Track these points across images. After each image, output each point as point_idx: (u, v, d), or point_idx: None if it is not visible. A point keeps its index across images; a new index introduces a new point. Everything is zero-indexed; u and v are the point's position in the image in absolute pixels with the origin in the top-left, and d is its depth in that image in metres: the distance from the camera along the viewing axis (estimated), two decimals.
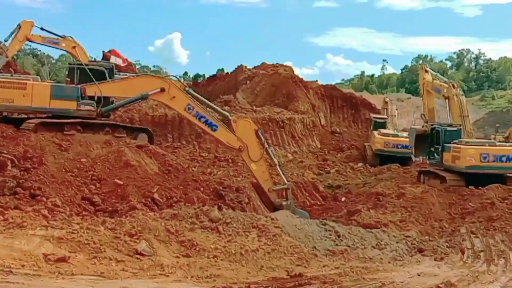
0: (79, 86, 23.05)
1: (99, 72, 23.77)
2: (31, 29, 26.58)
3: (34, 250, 10.48)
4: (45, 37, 27.25)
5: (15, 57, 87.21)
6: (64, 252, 10.65)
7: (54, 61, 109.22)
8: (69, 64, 27.80)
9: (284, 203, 22.16)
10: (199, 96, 23.22)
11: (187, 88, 22.91)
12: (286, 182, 22.65)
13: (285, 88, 51.77)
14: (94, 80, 23.04)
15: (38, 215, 14.21)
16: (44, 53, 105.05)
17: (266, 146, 22.95)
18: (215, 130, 22.74)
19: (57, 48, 27.62)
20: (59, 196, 17.59)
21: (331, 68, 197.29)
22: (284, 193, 22.69)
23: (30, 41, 26.89)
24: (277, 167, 22.90)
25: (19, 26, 26.24)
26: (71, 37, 27.50)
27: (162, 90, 21.94)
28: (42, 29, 26.72)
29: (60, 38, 27.38)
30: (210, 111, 22.95)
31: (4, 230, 11.58)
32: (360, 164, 39.70)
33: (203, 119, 22.40)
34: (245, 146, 22.56)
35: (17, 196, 16.97)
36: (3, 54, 26.24)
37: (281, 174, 22.87)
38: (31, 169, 18.54)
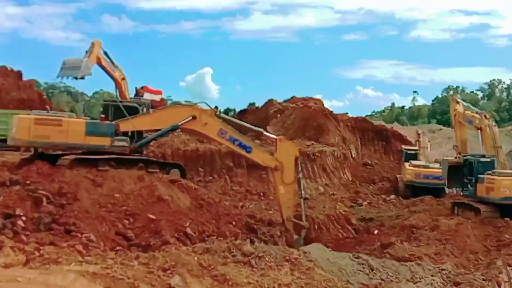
0: (113, 122, 23.38)
1: (133, 109, 24.09)
2: (101, 50, 26.62)
3: (69, 285, 10.56)
4: (108, 62, 27.37)
5: (49, 94, 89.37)
6: (98, 287, 10.73)
7: (88, 98, 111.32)
8: (104, 101, 28.21)
9: (295, 237, 22.05)
10: (231, 119, 23.31)
11: (217, 113, 22.97)
12: (305, 221, 22.49)
13: (315, 121, 51.84)
14: (127, 116, 23.37)
15: (73, 251, 14.37)
16: (78, 91, 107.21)
17: (300, 176, 22.91)
18: (249, 152, 22.88)
19: (109, 76, 27.15)
20: (94, 232, 17.79)
21: (361, 100, 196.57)
22: (299, 230, 22.56)
23: (98, 63, 26.29)
24: (302, 200, 22.77)
25: (93, 44, 26.15)
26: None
27: (194, 118, 22.10)
28: (105, 53, 26.54)
29: (115, 66, 27.38)
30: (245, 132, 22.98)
31: (39, 266, 11.70)
32: (392, 196, 39.37)
33: (237, 142, 22.58)
34: (281, 167, 22.50)
35: (52, 232, 17.21)
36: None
37: (303, 209, 22.71)
38: (66, 205, 18.81)
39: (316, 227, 28.80)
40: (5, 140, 45.56)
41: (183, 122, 22.21)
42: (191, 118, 22.12)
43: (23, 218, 17.37)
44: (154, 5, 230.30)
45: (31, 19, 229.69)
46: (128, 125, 23.15)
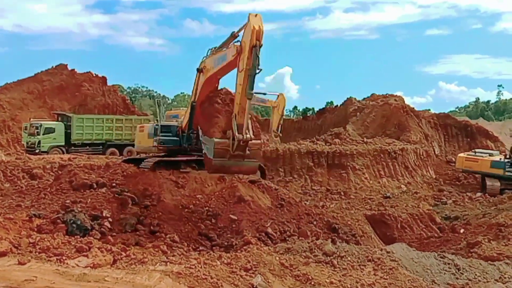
0: None
1: None
2: None
3: (154, 285, 10.76)
4: None
5: (133, 98, 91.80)
6: (183, 287, 10.89)
7: (169, 101, 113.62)
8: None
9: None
10: None
11: None
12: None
13: (396, 119, 50.98)
14: None
15: (158, 251, 14.70)
16: (160, 94, 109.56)
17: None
18: None
19: None
20: (177, 232, 18.14)
21: (444, 96, 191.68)
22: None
23: None
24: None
25: None
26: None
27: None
28: None
29: None
30: None
31: (126, 266, 11.99)
32: (478, 194, 38.09)
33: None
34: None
35: (137, 232, 17.69)
36: None
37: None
38: (150, 206, 19.28)
39: (399, 226, 28.29)
40: (91, 144, 47.53)
41: None
42: None
43: (110, 219, 17.91)
44: (235, 8, 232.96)
45: (116, 26, 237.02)
46: None
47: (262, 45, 18.32)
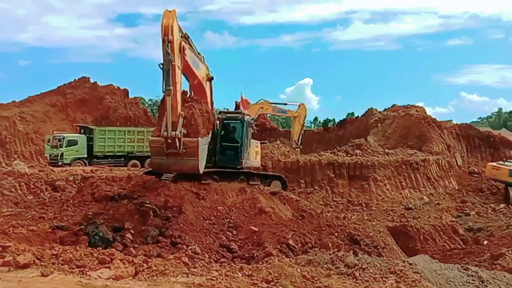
0: None
1: None
2: None
3: None
4: None
5: (154, 111, 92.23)
6: None
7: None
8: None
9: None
10: None
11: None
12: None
13: (417, 129, 50.76)
14: None
15: (179, 263, 14.68)
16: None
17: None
18: (198, 69, 21.95)
19: None
20: (198, 244, 18.15)
21: (466, 107, 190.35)
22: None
23: None
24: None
25: None
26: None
27: None
28: None
29: None
30: None
31: (148, 277, 12.03)
32: (502, 205, 37.71)
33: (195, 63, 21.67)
34: None
35: (159, 244, 17.71)
36: None
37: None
38: (172, 218, 19.31)
39: (421, 237, 28.11)
40: (113, 156, 47.86)
41: None
42: None
43: (132, 231, 17.98)
44: (255, 20, 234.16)
45: (138, 39, 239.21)
46: None
47: (171, 41, 18.64)
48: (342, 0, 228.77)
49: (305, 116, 54.78)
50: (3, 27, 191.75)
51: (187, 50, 20.26)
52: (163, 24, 18.76)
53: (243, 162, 24.29)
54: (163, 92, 18.96)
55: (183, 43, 19.77)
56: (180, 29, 19.91)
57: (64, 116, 61.00)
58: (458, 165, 48.18)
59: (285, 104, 54.58)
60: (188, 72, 21.13)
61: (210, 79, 23.07)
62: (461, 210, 36.56)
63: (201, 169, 20.90)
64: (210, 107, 22.77)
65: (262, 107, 51.49)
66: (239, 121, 24.35)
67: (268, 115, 64.82)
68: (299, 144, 53.24)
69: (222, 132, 24.26)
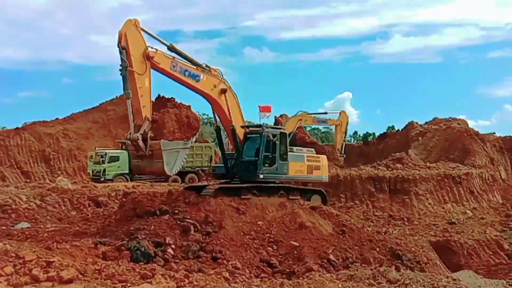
0: None
1: None
2: None
3: None
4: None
5: None
6: None
7: None
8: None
9: None
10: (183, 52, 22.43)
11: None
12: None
13: (460, 143, 50.09)
14: None
15: (220, 278, 14.73)
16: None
17: None
18: (198, 81, 22.42)
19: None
20: (239, 259, 18.18)
21: (509, 119, 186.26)
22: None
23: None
24: None
25: None
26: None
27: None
28: None
29: None
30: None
31: None
32: None
33: (187, 73, 22.06)
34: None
35: (200, 259, 17.79)
36: None
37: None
38: (212, 233, 19.40)
39: (465, 252, 27.64)
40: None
41: None
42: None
43: (173, 246, 18.10)
44: (294, 35, 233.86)
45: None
46: None
47: (124, 47, 19.73)
48: (382, 14, 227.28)
49: (347, 123, 54.18)
50: (48, 46, 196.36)
51: (161, 58, 21.02)
52: (119, 32, 19.95)
53: (260, 175, 23.86)
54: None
55: (149, 50, 20.47)
56: (159, 38, 21.44)
57: (106, 133, 61.83)
58: (502, 179, 47.28)
59: (325, 113, 54.08)
60: (177, 80, 21.98)
61: (222, 91, 23.33)
62: (505, 224, 35.79)
63: (169, 172, 21.28)
64: (226, 121, 23.80)
65: (301, 119, 51.44)
66: (258, 135, 24.29)
67: (308, 129, 64.56)
68: (342, 153, 52.76)
69: (244, 146, 24.32)
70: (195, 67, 22.36)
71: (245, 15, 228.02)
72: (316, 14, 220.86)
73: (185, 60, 22.13)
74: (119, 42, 19.82)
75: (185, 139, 21.34)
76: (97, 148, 50.25)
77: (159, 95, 22.22)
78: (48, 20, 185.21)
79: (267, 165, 23.88)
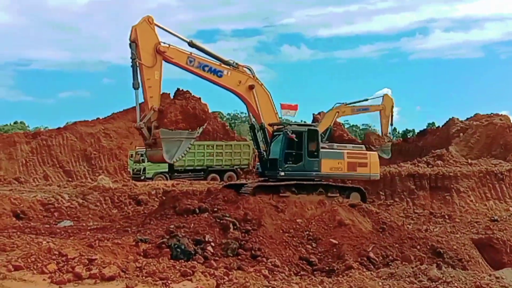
0: None
1: None
2: None
3: None
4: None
5: (232, 124, 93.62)
6: None
7: None
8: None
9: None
10: (206, 49, 23.23)
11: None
12: None
13: (502, 138, 49.19)
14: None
15: (260, 275, 14.80)
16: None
17: None
18: (220, 77, 22.94)
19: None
20: (278, 256, 18.21)
21: None
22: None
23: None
24: None
25: None
26: None
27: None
28: None
29: None
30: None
31: None
32: None
33: (206, 68, 22.64)
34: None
35: (239, 257, 17.89)
36: None
37: None
38: (251, 230, 19.47)
39: (508, 250, 27.09)
40: (193, 170, 48.67)
41: None
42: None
43: (212, 244, 18.24)
44: (332, 32, 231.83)
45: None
46: None
47: (133, 41, 21.15)
48: (421, 9, 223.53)
49: (392, 106, 51.58)
50: (88, 47, 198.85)
51: (174, 53, 22.00)
52: (132, 26, 21.38)
53: (281, 173, 23.77)
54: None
55: (161, 45, 21.55)
56: (177, 34, 22.49)
57: None
58: None
59: (366, 99, 51.72)
60: (198, 75, 22.83)
61: (250, 87, 23.66)
62: None
63: (169, 160, 22.01)
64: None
65: (338, 112, 49.93)
66: (281, 133, 24.26)
67: (346, 126, 63.43)
68: (390, 136, 50.98)
69: (271, 144, 24.35)
70: (218, 63, 22.82)
71: (282, 13, 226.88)
72: (353, 10, 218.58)
73: (207, 56, 22.58)
74: (130, 36, 21.17)
75: (190, 130, 21.95)
76: (137, 147, 50.79)
77: (178, 89, 23.17)
78: (88, 21, 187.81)
79: (290, 162, 23.90)
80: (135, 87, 21.37)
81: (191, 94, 22.72)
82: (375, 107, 50.87)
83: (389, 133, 52.04)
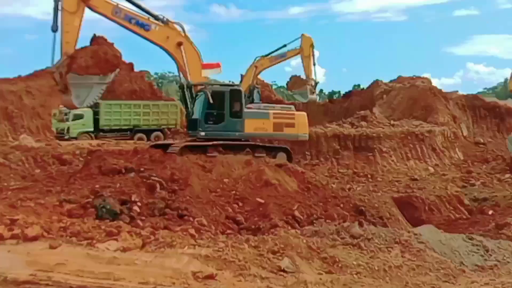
0: None
1: None
2: None
3: (183, 268, 10.91)
4: None
5: (159, 84, 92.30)
6: (211, 269, 11.01)
7: None
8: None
9: None
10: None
11: None
12: None
13: (423, 101, 50.53)
14: None
15: (186, 235, 14.82)
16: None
17: None
18: (147, 30, 23.15)
19: None
20: (205, 216, 18.28)
21: (472, 77, 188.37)
22: None
23: None
24: None
25: None
26: None
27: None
28: None
29: None
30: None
31: (155, 249, 12.16)
32: (507, 175, 37.56)
33: (133, 21, 22.82)
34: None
35: (166, 216, 17.84)
36: None
37: None
38: (178, 190, 19.42)
39: (426, 208, 28.20)
40: (120, 130, 47.98)
41: None
42: None
43: (139, 204, 18.12)
44: None
45: None
46: None
47: None
48: None
49: (311, 44, 48.35)
50: (10, 1, 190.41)
51: (100, 2, 22.09)
52: None
53: (201, 133, 24.29)
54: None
55: None
56: None
57: None
58: (464, 136, 48.03)
59: (284, 45, 48.37)
60: (124, 27, 22.84)
61: (178, 44, 23.61)
62: (466, 180, 36.52)
63: (79, 105, 22.56)
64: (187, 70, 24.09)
65: (256, 66, 47.82)
66: (201, 93, 24.33)
67: (274, 87, 63.06)
68: (315, 78, 49.63)
69: (194, 104, 24.44)
70: (146, 17, 22.55)
71: None
72: None
73: (136, 9, 22.28)
74: None
75: (101, 75, 21.82)
76: (60, 106, 49.49)
77: (94, 35, 22.58)
78: None
79: (211, 122, 23.94)
80: (54, 30, 21.28)
81: (105, 39, 22.35)
82: (293, 52, 48.54)
83: (313, 73, 49.61)
